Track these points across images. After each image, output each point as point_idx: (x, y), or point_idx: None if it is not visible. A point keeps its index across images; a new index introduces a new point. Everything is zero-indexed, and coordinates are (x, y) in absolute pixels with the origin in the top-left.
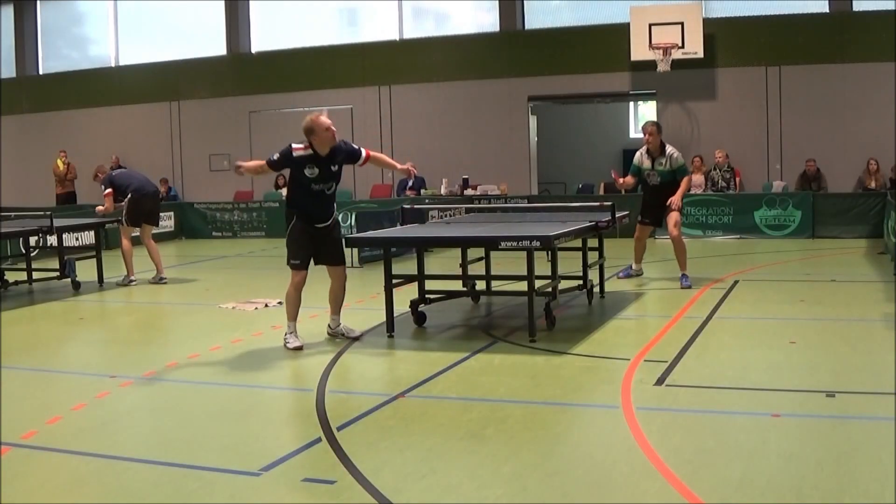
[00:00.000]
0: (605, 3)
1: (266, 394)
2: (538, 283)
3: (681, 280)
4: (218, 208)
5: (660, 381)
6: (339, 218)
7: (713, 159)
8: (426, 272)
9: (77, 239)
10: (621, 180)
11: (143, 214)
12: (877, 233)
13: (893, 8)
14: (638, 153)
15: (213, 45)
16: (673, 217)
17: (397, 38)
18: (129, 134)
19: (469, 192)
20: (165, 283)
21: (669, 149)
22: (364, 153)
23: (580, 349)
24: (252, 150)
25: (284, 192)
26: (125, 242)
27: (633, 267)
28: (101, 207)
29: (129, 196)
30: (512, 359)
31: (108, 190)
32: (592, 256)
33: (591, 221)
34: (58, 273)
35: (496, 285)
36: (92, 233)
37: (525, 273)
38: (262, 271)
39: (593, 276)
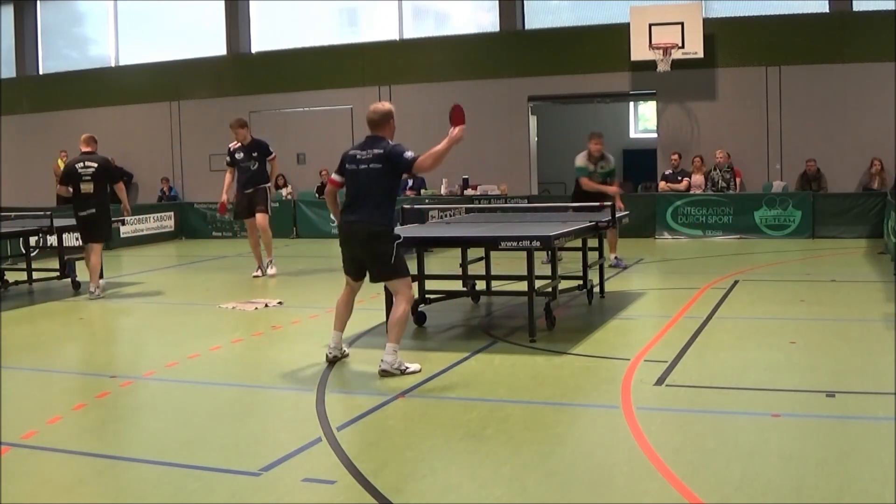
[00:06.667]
0: (605, 3)
1: (266, 394)
2: (538, 283)
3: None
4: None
5: (660, 381)
6: None
7: (713, 159)
8: (426, 272)
9: (77, 239)
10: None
11: None
12: (877, 233)
13: (893, 8)
14: (582, 157)
15: (213, 45)
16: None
17: (397, 38)
18: (129, 134)
19: (469, 192)
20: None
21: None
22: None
23: (580, 349)
24: None
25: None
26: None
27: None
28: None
29: (270, 183)
30: (512, 359)
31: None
32: (592, 256)
33: (591, 221)
34: (58, 273)
35: (496, 285)
36: None
37: (525, 273)
38: None
39: (593, 276)
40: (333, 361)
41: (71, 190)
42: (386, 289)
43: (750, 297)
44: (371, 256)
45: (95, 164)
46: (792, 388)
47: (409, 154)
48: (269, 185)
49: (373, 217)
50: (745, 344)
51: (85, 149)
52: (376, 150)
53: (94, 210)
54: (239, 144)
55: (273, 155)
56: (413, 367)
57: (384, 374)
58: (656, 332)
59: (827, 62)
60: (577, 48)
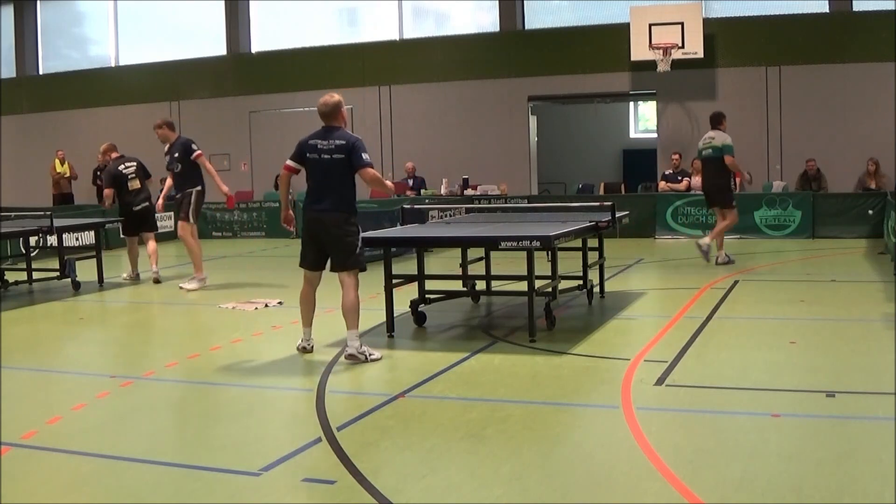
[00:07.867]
0: (605, 3)
1: (266, 394)
2: (538, 283)
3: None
4: (218, 208)
5: (660, 381)
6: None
7: None
8: (426, 272)
9: (77, 239)
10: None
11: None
12: (877, 233)
13: (893, 8)
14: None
15: (213, 45)
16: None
17: (397, 38)
18: (129, 134)
19: (469, 192)
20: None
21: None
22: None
23: (580, 349)
24: (252, 150)
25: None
26: (194, 240)
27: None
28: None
29: (201, 187)
30: (512, 359)
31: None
32: (592, 256)
33: (591, 221)
34: (58, 273)
35: (496, 285)
36: (92, 233)
37: (525, 273)
38: (262, 271)
39: (593, 276)
40: (303, 352)
41: (111, 195)
42: (386, 288)
43: (750, 297)
44: (337, 244)
45: (134, 163)
46: (792, 388)
47: (366, 157)
48: (197, 189)
49: (340, 206)
50: (745, 344)
51: (116, 154)
52: (339, 141)
53: (146, 203)
54: (167, 146)
55: (197, 153)
56: (376, 354)
57: (350, 358)
58: (656, 332)
59: (827, 62)
60: (577, 48)
